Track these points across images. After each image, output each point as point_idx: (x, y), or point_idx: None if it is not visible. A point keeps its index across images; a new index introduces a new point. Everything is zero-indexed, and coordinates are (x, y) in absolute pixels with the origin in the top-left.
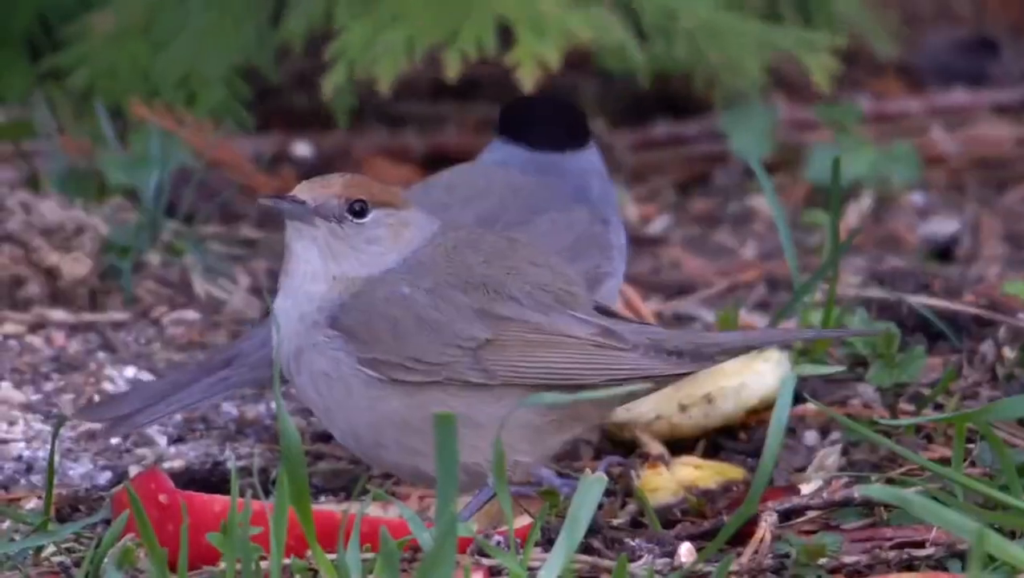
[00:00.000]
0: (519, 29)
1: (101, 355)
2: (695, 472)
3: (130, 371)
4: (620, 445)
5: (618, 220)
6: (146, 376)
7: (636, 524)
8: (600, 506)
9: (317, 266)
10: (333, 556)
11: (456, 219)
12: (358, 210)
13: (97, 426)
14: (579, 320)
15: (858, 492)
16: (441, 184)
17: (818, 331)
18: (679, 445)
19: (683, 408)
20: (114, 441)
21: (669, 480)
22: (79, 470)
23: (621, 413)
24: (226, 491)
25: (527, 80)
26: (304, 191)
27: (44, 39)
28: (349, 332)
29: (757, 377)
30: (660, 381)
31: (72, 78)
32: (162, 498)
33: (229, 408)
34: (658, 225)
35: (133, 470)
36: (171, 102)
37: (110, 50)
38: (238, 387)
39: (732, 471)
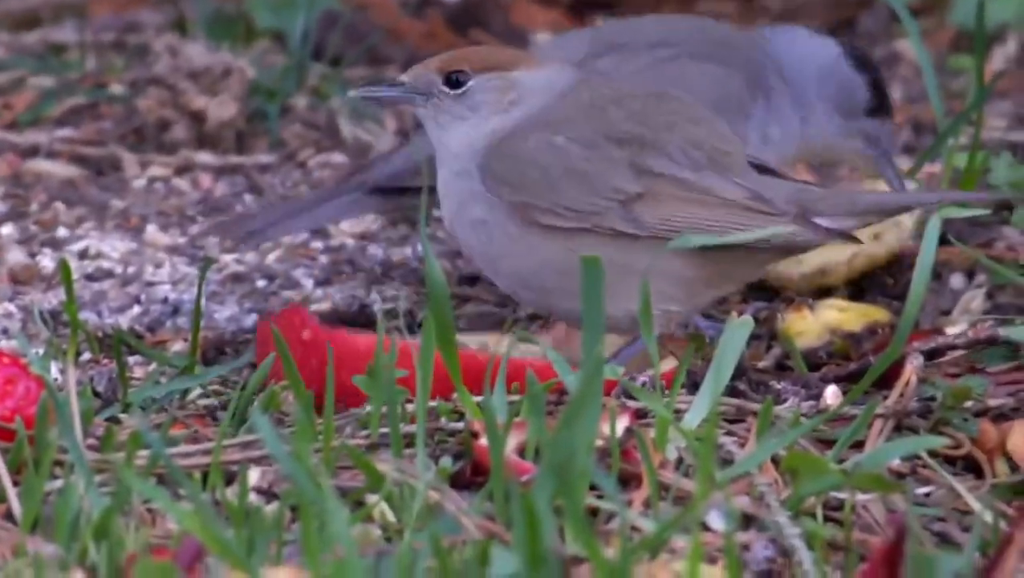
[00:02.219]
0: None
1: (247, 198)
2: (840, 315)
3: None
4: (764, 289)
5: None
6: None
7: (781, 367)
8: (745, 349)
9: (438, 135)
10: (479, 398)
11: (633, 38)
12: (456, 81)
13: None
14: (731, 181)
15: (1003, 333)
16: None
17: (965, 193)
18: (824, 289)
19: (876, 237)
20: (260, 284)
21: (814, 323)
22: (225, 313)
23: (795, 267)
24: (373, 333)
25: None
26: (406, 73)
27: None
28: (499, 176)
29: None
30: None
31: None
32: (305, 334)
33: (375, 250)
34: None
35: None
36: None
37: None
38: (370, 208)
39: (877, 313)
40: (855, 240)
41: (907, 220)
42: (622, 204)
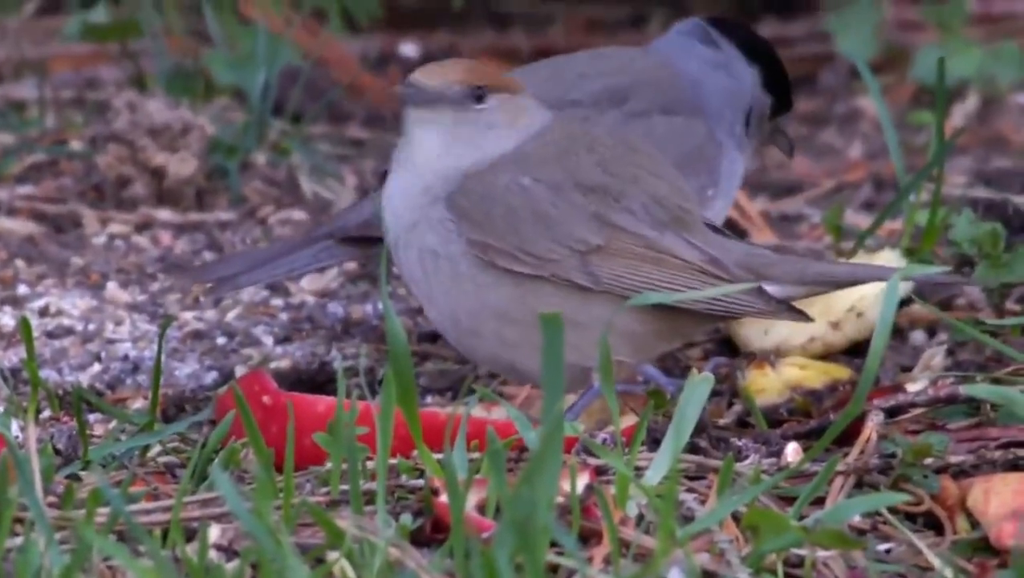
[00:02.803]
0: None
1: (207, 255)
2: (801, 372)
3: None
4: (725, 344)
5: (737, 150)
6: None
7: (742, 424)
8: (706, 406)
9: (439, 150)
10: (439, 456)
11: (586, 90)
12: (478, 96)
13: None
14: (688, 242)
15: (964, 391)
16: (583, 58)
17: (924, 268)
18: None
19: (835, 325)
20: (220, 341)
21: (775, 380)
22: (185, 370)
23: (761, 338)
24: (333, 391)
25: None
26: (427, 77)
27: None
28: (464, 212)
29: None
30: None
31: None
32: (266, 399)
33: (335, 308)
34: None
35: (239, 370)
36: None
37: None
38: (340, 257)
39: (838, 370)
40: (806, 317)
41: (870, 311)
42: (581, 255)
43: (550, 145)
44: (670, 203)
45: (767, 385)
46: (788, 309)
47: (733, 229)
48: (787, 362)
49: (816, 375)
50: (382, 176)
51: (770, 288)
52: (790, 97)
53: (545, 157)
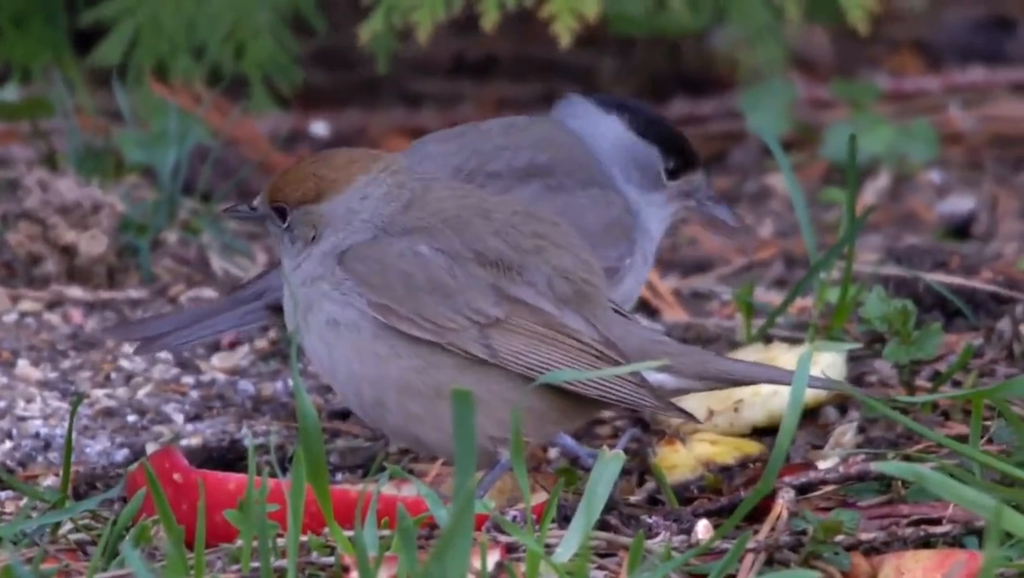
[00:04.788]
0: None
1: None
2: (712, 448)
3: None
4: (638, 418)
5: (645, 228)
6: (163, 354)
7: (653, 501)
8: (617, 483)
9: (282, 257)
10: (350, 533)
11: (509, 163)
12: (281, 211)
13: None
14: (588, 323)
15: (875, 468)
16: (497, 128)
17: (826, 380)
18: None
19: (711, 413)
20: (131, 418)
21: (687, 457)
22: (96, 447)
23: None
24: (243, 469)
25: (564, 35)
26: (257, 198)
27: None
28: (360, 277)
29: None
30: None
31: (118, 29)
32: (176, 477)
33: (246, 385)
34: None
35: (150, 447)
36: (189, 75)
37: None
38: (264, 319)
39: (749, 446)
40: (693, 418)
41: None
42: (480, 327)
43: (440, 213)
44: (575, 276)
45: (679, 461)
46: (674, 408)
47: (644, 308)
48: (698, 438)
49: (728, 450)
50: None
51: (668, 379)
52: (687, 148)
53: (437, 226)
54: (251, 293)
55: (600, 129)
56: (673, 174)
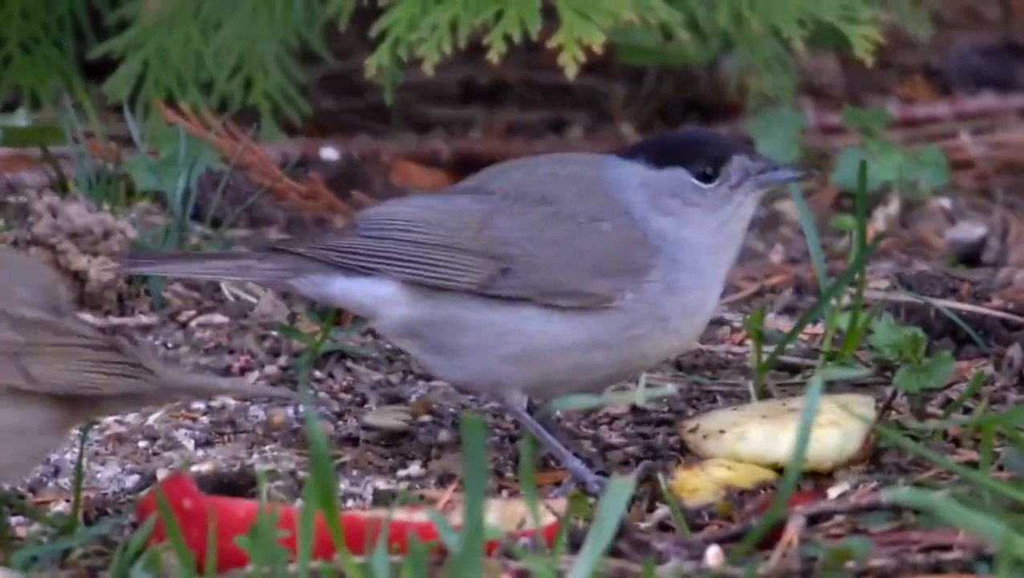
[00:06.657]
0: (563, 11)
1: None
2: (728, 472)
3: None
4: (648, 448)
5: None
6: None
7: (664, 527)
8: (628, 508)
9: None
10: (361, 559)
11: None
12: None
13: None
14: (85, 324)
15: (885, 496)
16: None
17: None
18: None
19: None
20: (142, 444)
21: (707, 480)
22: (107, 473)
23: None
24: (254, 495)
25: (570, 66)
26: None
27: (91, 29)
28: None
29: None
30: None
31: (126, 64)
32: (187, 503)
33: (256, 411)
34: None
35: (161, 473)
36: (197, 104)
37: (162, 33)
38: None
39: (765, 472)
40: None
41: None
42: (13, 356)
43: None
44: (43, 285)
45: (700, 485)
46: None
47: None
48: (714, 462)
49: (744, 475)
50: None
51: None
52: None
53: None
54: (260, 254)
55: (624, 174)
56: (709, 177)
